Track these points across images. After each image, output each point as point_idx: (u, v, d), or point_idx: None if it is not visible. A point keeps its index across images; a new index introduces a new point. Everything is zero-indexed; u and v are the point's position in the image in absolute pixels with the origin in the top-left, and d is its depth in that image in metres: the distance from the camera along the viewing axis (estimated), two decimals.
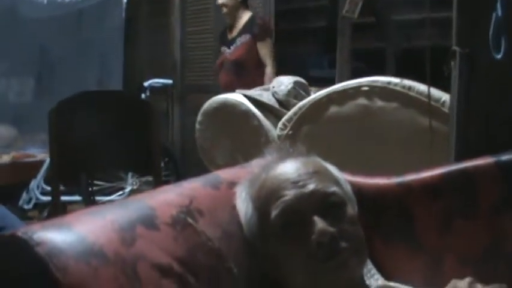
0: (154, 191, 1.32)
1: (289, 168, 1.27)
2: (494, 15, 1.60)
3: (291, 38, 6.00)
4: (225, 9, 4.96)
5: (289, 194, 1.22)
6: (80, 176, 3.91)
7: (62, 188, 4.91)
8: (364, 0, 4.53)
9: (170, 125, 6.32)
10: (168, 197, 1.27)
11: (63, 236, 1.05)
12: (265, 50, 4.83)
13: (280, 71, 4.64)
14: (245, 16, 4.94)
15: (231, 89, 4.57)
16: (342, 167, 1.45)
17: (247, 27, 4.89)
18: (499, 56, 1.58)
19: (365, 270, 1.43)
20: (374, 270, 1.46)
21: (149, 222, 1.16)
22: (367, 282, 1.38)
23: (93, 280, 1.00)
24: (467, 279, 1.12)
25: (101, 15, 6.45)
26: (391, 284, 1.39)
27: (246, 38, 4.85)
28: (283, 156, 1.32)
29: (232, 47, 4.90)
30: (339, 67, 5.13)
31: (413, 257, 1.47)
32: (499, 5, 1.58)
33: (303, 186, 1.23)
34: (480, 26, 1.64)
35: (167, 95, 6.31)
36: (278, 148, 1.37)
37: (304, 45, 6.20)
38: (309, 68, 6.02)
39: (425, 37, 1.95)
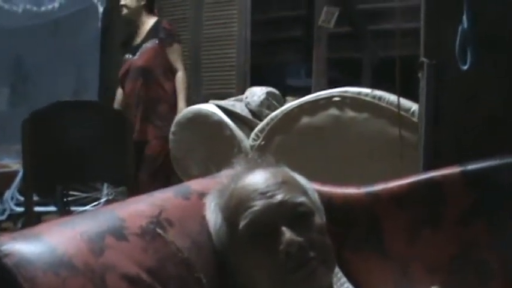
0: (125, 202, 1.32)
1: (257, 178, 1.28)
2: (460, 27, 1.62)
3: (267, 47, 6.03)
4: (125, 10, 4.72)
5: (258, 204, 1.23)
6: (55, 187, 3.89)
7: (36, 198, 4.92)
8: (341, 10, 4.57)
9: None
10: (138, 208, 1.28)
11: (32, 247, 1.06)
12: (174, 55, 4.61)
13: (256, 80, 4.65)
14: (150, 21, 4.72)
15: (138, 97, 4.50)
16: (313, 177, 1.46)
17: (153, 32, 4.66)
18: (465, 68, 1.61)
19: (335, 280, 1.44)
20: (344, 279, 1.47)
21: (118, 233, 1.17)
22: None
23: None
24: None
25: (77, 25, 6.44)
26: None
27: (152, 43, 4.61)
28: (252, 166, 1.33)
29: (138, 54, 4.63)
30: (315, 76, 5.17)
31: (382, 266, 1.48)
32: (464, 18, 1.61)
33: (271, 196, 1.24)
34: (447, 37, 1.67)
35: None
36: (247, 158, 1.38)
37: (280, 55, 6.23)
38: (286, 77, 6.05)
39: (401, 46, 1.97)
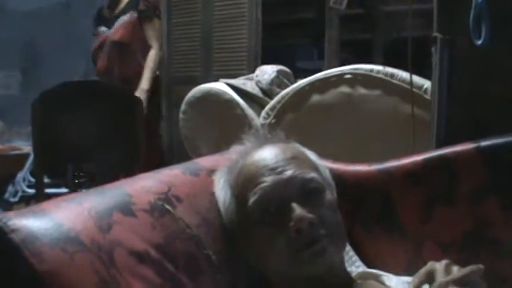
0: (133, 178, 1.31)
1: (267, 154, 1.26)
2: (474, 1, 1.59)
3: (279, 29, 5.99)
4: None
5: (267, 180, 1.21)
6: (66, 168, 3.89)
7: (48, 180, 4.93)
8: None
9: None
10: (146, 184, 1.27)
11: (39, 222, 1.04)
12: (151, 32, 4.42)
13: (268, 62, 4.60)
14: None
15: (113, 75, 4.25)
16: (324, 155, 1.45)
17: (132, 4, 4.35)
18: (479, 42, 1.58)
19: (346, 257, 1.43)
20: (355, 257, 1.47)
21: (126, 208, 1.16)
22: (349, 269, 1.38)
23: (68, 266, 0.99)
24: (444, 261, 1.12)
25: (88, 6, 6.43)
26: (373, 271, 1.38)
27: (131, 16, 4.33)
28: (262, 142, 1.31)
29: (114, 27, 4.34)
30: (327, 58, 5.14)
31: (394, 243, 1.47)
32: None
33: (281, 172, 1.22)
34: (460, 12, 1.64)
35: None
36: (256, 134, 1.36)
37: (292, 37, 6.19)
38: (297, 59, 6.02)
39: (412, 27, 1.94)
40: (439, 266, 1.10)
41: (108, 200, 1.17)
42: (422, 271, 1.11)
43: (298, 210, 1.18)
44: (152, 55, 4.37)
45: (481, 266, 1.09)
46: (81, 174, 4.92)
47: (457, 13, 1.67)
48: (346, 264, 1.39)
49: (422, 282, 1.10)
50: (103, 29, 4.34)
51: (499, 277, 1.33)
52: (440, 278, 1.07)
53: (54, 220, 1.06)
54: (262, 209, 1.21)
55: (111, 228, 1.10)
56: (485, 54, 1.61)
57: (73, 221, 1.07)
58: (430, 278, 1.09)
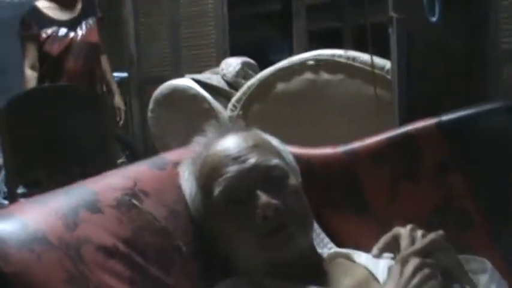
0: (97, 177, 1.31)
1: (229, 143, 1.27)
2: None
3: (246, 24, 6.00)
4: None
5: (231, 170, 1.22)
6: (39, 176, 3.87)
7: (23, 190, 4.90)
8: None
9: (129, 118, 6.29)
10: (112, 181, 1.27)
11: (5, 225, 1.06)
12: (100, 38, 4.34)
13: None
14: None
15: (93, 76, 4.15)
16: (293, 142, 1.46)
17: (90, 8, 4.30)
18: (434, 19, 1.60)
19: (318, 240, 1.44)
20: (327, 239, 1.48)
21: (92, 206, 1.17)
22: (320, 251, 1.39)
23: (37, 266, 1.00)
24: (409, 226, 1.14)
25: None
26: (343, 250, 1.40)
27: (93, 20, 4.26)
28: (223, 132, 1.32)
29: (81, 29, 4.19)
30: (296, 49, 5.16)
31: (363, 223, 1.48)
32: None
33: (244, 161, 1.23)
34: None
35: (124, 88, 6.25)
36: (218, 125, 1.37)
37: (260, 30, 6.20)
38: (268, 53, 6.03)
39: (381, 12, 1.96)
40: (403, 231, 1.13)
41: (74, 199, 1.18)
42: (388, 235, 1.13)
43: (263, 197, 1.19)
44: (106, 58, 4.37)
45: (440, 232, 1.11)
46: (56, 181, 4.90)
47: None
48: (318, 247, 1.40)
49: (386, 244, 1.13)
50: (63, 30, 4.16)
51: (466, 246, 1.35)
52: (404, 242, 1.10)
53: (20, 222, 1.07)
54: (228, 198, 1.21)
55: (78, 226, 1.11)
56: (440, 30, 1.63)
57: (39, 222, 1.08)
58: (395, 241, 1.12)
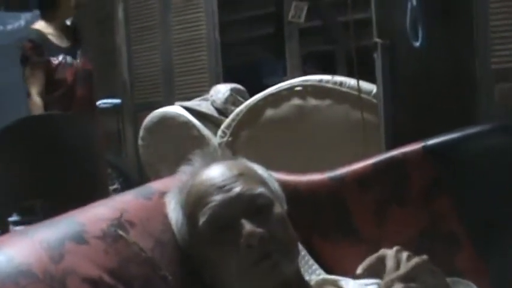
0: (84, 207, 1.31)
1: (214, 173, 1.27)
2: (409, 5, 1.63)
3: (239, 48, 6.02)
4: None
5: (216, 199, 1.22)
6: (33, 204, 3.86)
7: (17, 218, 4.88)
8: (309, 4, 4.57)
9: (123, 144, 6.30)
10: (98, 212, 1.27)
11: None
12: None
13: (231, 82, 4.62)
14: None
15: (91, 103, 4.20)
16: (281, 167, 1.47)
17: (77, 35, 4.31)
18: (417, 44, 1.61)
19: (306, 266, 1.44)
20: (315, 266, 1.48)
21: (78, 237, 1.17)
22: (308, 278, 1.39)
23: None
24: (395, 248, 1.14)
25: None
26: (331, 276, 1.40)
27: (82, 47, 4.30)
28: (209, 161, 1.32)
29: (80, 56, 4.20)
30: (289, 72, 5.18)
31: (352, 248, 1.49)
32: None
33: (229, 190, 1.23)
34: (398, 17, 1.68)
35: (118, 115, 6.27)
36: (203, 153, 1.37)
37: (253, 54, 6.22)
38: (262, 76, 6.04)
39: (371, 36, 1.98)
40: (389, 252, 1.13)
41: (60, 231, 1.18)
42: (373, 256, 1.14)
43: (247, 226, 1.19)
44: None
45: (424, 257, 1.11)
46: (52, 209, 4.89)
47: (394, 18, 1.71)
48: (306, 273, 1.40)
49: (371, 265, 1.13)
50: (67, 58, 4.13)
51: (455, 270, 1.35)
52: (389, 264, 1.10)
53: (5, 254, 1.07)
54: (213, 228, 1.21)
55: (63, 258, 1.10)
56: (424, 55, 1.65)
57: (24, 255, 1.08)
58: (380, 262, 1.12)
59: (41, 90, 3.92)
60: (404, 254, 1.14)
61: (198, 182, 1.28)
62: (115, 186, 5.14)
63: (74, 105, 4.03)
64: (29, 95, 3.85)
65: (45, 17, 4.14)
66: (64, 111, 3.89)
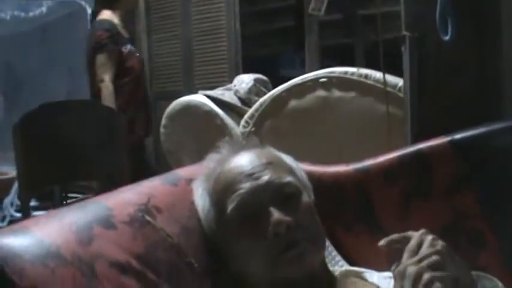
0: (112, 192, 1.32)
1: (243, 161, 1.28)
2: None
3: (259, 39, 6.02)
4: None
5: (244, 187, 1.23)
6: (52, 189, 3.89)
7: (36, 203, 4.92)
8: None
9: None
10: (125, 197, 1.28)
11: (20, 240, 1.06)
12: None
13: (250, 72, 4.62)
14: None
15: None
16: (304, 159, 1.47)
17: None
18: (446, 38, 1.61)
19: (329, 257, 1.45)
20: (338, 257, 1.48)
21: (106, 221, 1.17)
22: (332, 269, 1.39)
23: (50, 281, 1.01)
24: (422, 230, 1.13)
25: (66, 28, 6.43)
26: (355, 268, 1.40)
27: None
28: (237, 149, 1.33)
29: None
30: (308, 65, 5.17)
31: (375, 240, 1.47)
32: None
33: (258, 178, 1.24)
34: (427, 9, 1.67)
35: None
36: (232, 142, 1.38)
37: (273, 46, 6.21)
38: (279, 68, 6.04)
39: (393, 29, 1.97)
40: (415, 233, 1.12)
41: (88, 215, 1.19)
42: (399, 234, 1.13)
43: (276, 214, 1.19)
44: None
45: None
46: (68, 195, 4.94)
47: (423, 11, 1.70)
48: (329, 264, 1.40)
49: (395, 241, 1.12)
50: (131, 47, 4.27)
51: (479, 267, 1.35)
52: (412, 242, 1.08)
53: (34, 237, 1.08)
54: (241, 215, 1.22)
55: (91, 241, 1.11)
56: (453, 49, 1.64)
57: (53, 237, 1.09)
58: (405, 239, 1.10)
59: (113, 77, 4.00)
60: (429, 237, 1.12)
61: (227, 169, 1.28)
62: None
63: (140, 92, 4.17)
64: (101, 81, 3.92)
65: (111, 7, 4.22)
66: (131, 97, 4.02)
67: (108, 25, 4.12)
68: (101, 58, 4.01)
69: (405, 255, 1.07)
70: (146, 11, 6.28)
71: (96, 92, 3.98)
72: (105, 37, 4.04)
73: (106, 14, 4.19)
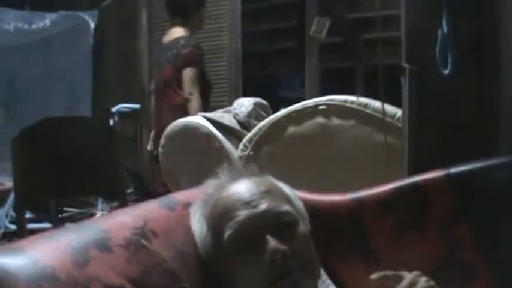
0: (109, 214, 1.33)
1: (241, 188, 1.29)
2: (440, 32, 1.64)
3: (259, 60, 6.05)
4: None
5: (242, 214, 1.24)
6: (48, 203, 3.90)
7: (31, 215, 4.92)
8: (332, 20, 4.58)
9: (139, 150, 6.31)
10: (122, 220, 1.29)
11: (16, 260, 1.07)
12: None
13: (250, 93, 4.63)
14: None
15: None
16: (301, 186, 1.48)
17: None
18: (446, 71, 1.62)
19: (323, 286, 1.45)
20: (332, 286, 1.48)
21: (102, 244, 1.18)
22: None
23: None
24: (416, 272, 1.15)
25: (69, 42, 6.45)
26: None
27: None
28: (236, 176, 1.34)
29: None
30: (308, 87, 5.19)
31: (370, 271, 1.48)
32: (444, 22, 1.63)
33: (255, 206, 1.25)
34: (428, 43, 1.68)
35: (136, 120, 6.29)
36: (231, 168, 1.39)
37: (273, 67, 6.24)
38: (279, 89, 6.06)
39: (395, 55, 1.98)
40: (409, 274, 1.14)
41: (85, 236, 1.19)
42: (393, 272, 1.15)
43: (272, 242, 1.20)
44: None
45: None
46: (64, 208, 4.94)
47: (424, 43, 1.72)
48: None
49: (386, 277, 1.17)
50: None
51: None
52: (404, 283, 1.11)
53: (30, 257, 1.09)
54: (238, 242, 1.23)
55: (87, 264, 1.12)
56: (452, 83, 1.65)
57: (49, 258, 1.10)
58: (397, 278, 1.13)
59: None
60: (423, 280, 1.14)
61: (225, 195, 1.29)
62: (130, 190, 5.17)
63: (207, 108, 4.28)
64: (191, 94, 4.08)
65: (184, 24, 4.37)
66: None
67: (195, 42, 4.33)
68: (192, 73, 4.16)
69: None
70: (148, 26, 6.31)
71: (179, 104, 4.11)
72: (195, 53, 4.22)
73: (182, 31, 4.33)
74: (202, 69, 4.27)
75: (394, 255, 1.47)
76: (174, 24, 4.39)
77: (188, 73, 4.13)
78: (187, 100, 4.06)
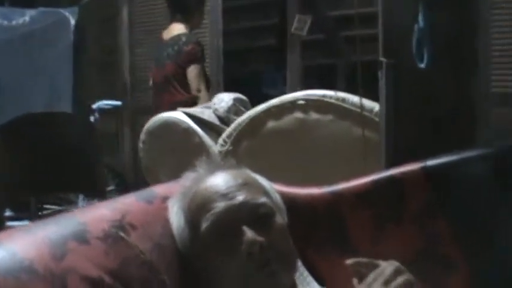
0: (87, 207, 1.34)
1: (218, 180, 1.30)
2: (416, 26, 1.65)
3: (241, 57, 6.04)
4: None
5: (219, 206, 1.25)
6: (28, 200, 3.89)
7: (11, 213, 4.89)
8: (313, 18, 4.59)
9: (120, 146, 6.29)
10: (100, 213, 1.29)
11: None
12: None
13: (231, 90, 4.62)
14: None
15: None
16: (280, 180, 1.48)
17: None
18: (422, 65, 1.64)
19: (301, 278, 1.46)
20: (310, 278, 1.49)
21: (80, 237, 1.18)
22: None
23: None
24: (391, 261, 1.16)
25: (49, 38, 6.40)
26: None
27: None
28: (213, 169, 1.35)
29: None
30: (289, 84, 5.20)
31: (347, 265, 1.50)
32: (420, 17, 1.64)
33: (232, 198, 1.26)
34: (404, 37, 1.70)
35: (117, 116, 6.27)
36: (209, 161, 1.40)
37: (255, 64, 6.24)
38: (261, 86, 6.06)
39: (373, 52, 2.00)
40: (383, 263, 1.15)
41: (63, 229, 1.19)
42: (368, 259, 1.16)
43: (249, 233, 1.22)
44: None
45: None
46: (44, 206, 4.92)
47: (401, 37, 1.73)
48: (301, 285, 1.41)
49: (361, 263, 1.18)
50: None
51: None
52: (377, 271, 1.12)
53: (8, 250, 1.09)
54: (215, 233, 1.24)
55: (65, 256, 1.12)
56: (429, 76, 1.67)
57: (27, 250, 1.10)
58: (372, 265, 1.15)
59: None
60: (397, 264, 1.15)
61: (202, 188, 1.30)
62: (110, 188, 5.15)
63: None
64: (198, 90, 4.13)
65: (185, 22, 4.38)
66: None
67: (196, 39, 4.36)
68: (195, 70, 4.21)
69: (371, 276, 1.10)
70: (129, 23, 6.29)
71: (185, 100, 4.10)
72: (198, 50, 4.25)
73: (182, 28, 4.35)
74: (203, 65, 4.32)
75: (371, 248, 1.48)
76: (174, 20, 4.40)
77: (193, 70, 4.17)
78: (196, 97, 4.09)
